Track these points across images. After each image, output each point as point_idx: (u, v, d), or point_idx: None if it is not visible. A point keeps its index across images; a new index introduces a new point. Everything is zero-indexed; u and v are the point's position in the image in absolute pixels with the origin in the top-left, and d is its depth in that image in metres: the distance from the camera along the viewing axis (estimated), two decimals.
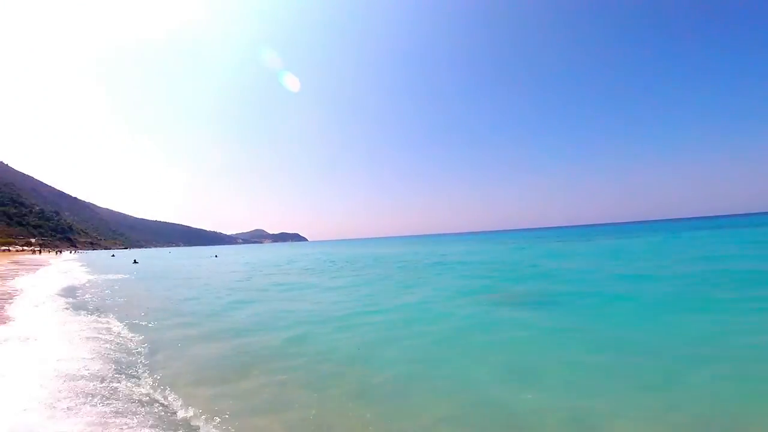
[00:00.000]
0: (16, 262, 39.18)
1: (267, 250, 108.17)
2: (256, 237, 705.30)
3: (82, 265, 37.94)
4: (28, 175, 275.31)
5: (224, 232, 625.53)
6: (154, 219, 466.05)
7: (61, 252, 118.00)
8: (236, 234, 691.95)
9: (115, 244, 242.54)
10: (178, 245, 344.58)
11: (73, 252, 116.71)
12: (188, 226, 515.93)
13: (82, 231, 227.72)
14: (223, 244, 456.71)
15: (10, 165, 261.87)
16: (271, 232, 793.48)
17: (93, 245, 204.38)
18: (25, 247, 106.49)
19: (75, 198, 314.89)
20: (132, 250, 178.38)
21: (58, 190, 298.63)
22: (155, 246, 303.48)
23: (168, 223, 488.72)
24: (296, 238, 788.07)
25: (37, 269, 28.66)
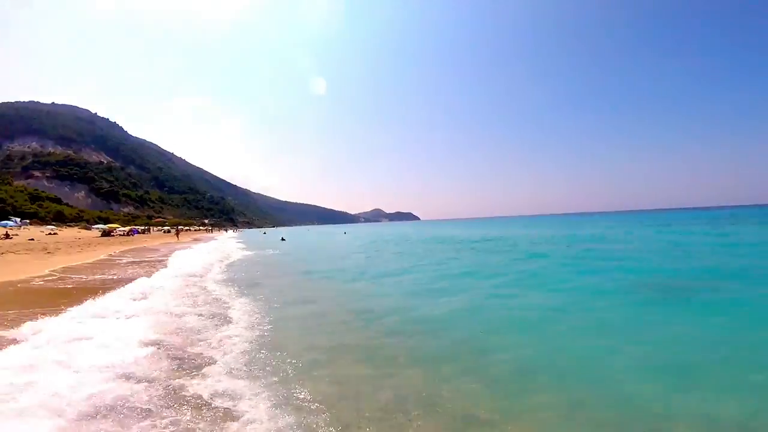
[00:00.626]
0: (197, 240, 50.16)
1: (388, 228, 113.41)
2: (376, 216, 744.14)
3: (239, 242, 41.66)
4: (199, 167, 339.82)
5: (350, 212, 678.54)
6: (295, 201, 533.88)
7: (226, 230, 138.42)
8: (359, 213, 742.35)
9: (266, 222, 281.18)
10: (313, 223, 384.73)
11: (234, 231, 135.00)
12: (321, 207, 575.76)
13: (241, 212, 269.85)
14: (349, 223, 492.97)
15: (186, 159, 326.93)
16: (387, 212, 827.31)
17: (249, 224, 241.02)
18: (200, 227, 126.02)
19: (235, 185, 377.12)
20: (278, 228, 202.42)
21: (222, 179, 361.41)
22: (296, 225, 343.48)
23: (306, 204, 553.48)
24: (410, 217, 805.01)
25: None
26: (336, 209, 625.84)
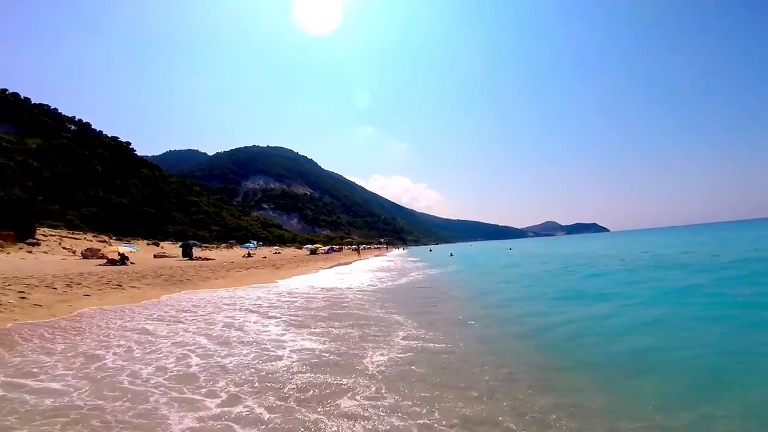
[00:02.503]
0: (380, 255, 60.86)
1: (563, 242, 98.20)
2: (548, 229, 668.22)
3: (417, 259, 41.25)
4: (373, 192, 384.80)
5: (515, 226, 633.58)
6: (456, 218, 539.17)
7: (397, 247, 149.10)
8: (527, 227, 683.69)
9: (431, 240, 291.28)
10: (476, 240, 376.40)
11: (402, 248, 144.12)
12: (484, 222, 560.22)
13: (409, 231, 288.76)
14: (515, 238, 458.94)
15: (364, 187, 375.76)
16: (563, 224, 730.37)
17: (416, 242, 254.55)
18: (378, 245, 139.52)
19: (401, 206, 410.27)
20: (441, 244, 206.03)
21: (391, 201, 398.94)
22: (457, 241, 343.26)
23: (467, 220, 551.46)
24: (594, 228, 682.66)
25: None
26: (499, 224, 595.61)
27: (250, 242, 62.30)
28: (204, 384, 4.59)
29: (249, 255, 42.20)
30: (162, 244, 46.06)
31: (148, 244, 42.88)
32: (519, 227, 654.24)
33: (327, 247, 73.60)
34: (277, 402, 4.09)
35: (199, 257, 32.88)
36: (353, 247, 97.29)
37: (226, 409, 3.91)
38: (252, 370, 5.04)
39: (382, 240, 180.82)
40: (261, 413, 3.82)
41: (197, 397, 4.22)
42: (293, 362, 5.39)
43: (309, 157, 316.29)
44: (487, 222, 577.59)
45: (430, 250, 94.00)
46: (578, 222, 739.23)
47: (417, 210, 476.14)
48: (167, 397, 4.17)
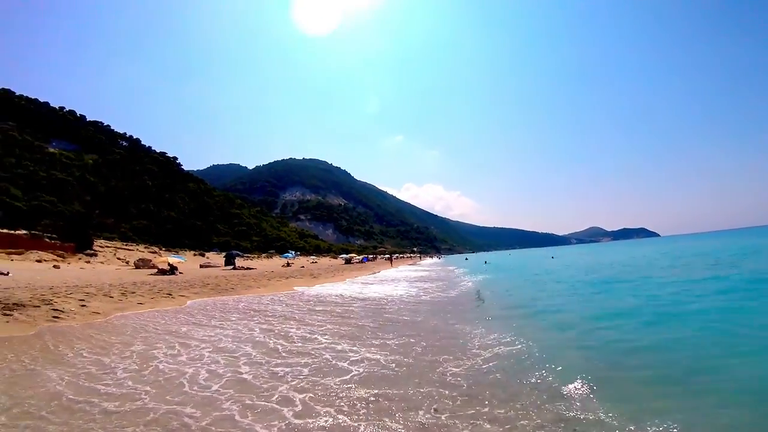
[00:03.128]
0: (413, 264, 60.82)
1: (609, 248, 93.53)
2: (592, 235, 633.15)
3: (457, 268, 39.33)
4: (406, 201, 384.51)
5: (556, 233, 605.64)
6: (492, 225, 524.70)
7: (431, 256, 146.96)
8: (569, 234, 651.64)
9: (466, 248, 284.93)
10: (514, 248, 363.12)
11: (438, 257, 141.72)
12: (521, 230, 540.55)
13: (443, 240, 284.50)
14: (556, 245, 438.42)
15: (397, 197, 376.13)
16: (609, 230, 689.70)
17: (450, 250, 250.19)
18: (411, 255, 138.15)
19: (435, 214, 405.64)
20: (478, 253, 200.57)
21: (423, 210, 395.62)
22: (495, 249, 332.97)
23: (503, 228, 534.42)
24: (642, 233, 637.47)
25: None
26: (539, 231, 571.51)
27: (288, 252, 63.64)
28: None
29: (288, 264, 42.93)
30: (207, 254, 48.07)
31: (194, 255, 44.89)
32: (561, 234, 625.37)
33: (362, 257, 73.89)
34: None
35: (242, 267, 33.77)
36: (386, 256, 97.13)
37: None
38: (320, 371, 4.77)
39: (414, 249, 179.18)
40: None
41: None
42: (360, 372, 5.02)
43: (342, 168, 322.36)
44: (525, 229, 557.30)
45: (466, 259, 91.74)
46: (625, 227, 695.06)
47: (451, 218, 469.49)
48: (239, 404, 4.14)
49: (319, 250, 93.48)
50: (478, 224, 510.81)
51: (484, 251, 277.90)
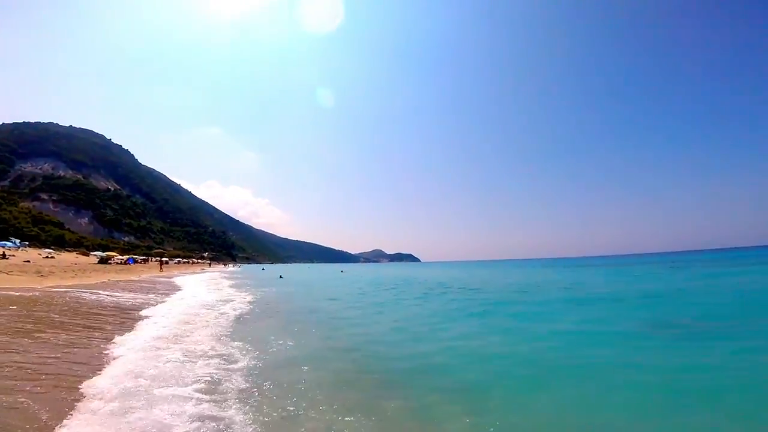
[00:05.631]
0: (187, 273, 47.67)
1: (384, 267, 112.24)
2: (376, 256, 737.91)
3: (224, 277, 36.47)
4: (205, 201, 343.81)
5: (349, 251, 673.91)
6: (296, 239, 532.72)
7: (225, 264, 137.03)
8: (359, 253, 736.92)
9: (265, 259, 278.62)
10: (312, 261, 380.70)
11: (234, 266, 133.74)
12: (321, 245, 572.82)
13: (242, 248, 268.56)
14: (349, 262, 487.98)
15: (193, 193, 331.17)
16: (388, 252, 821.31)
17: (248, 259, 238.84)
18: (199, 260, 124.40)
19: (238, 221, 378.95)
20: (277, 264, 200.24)
21: (226, 214, 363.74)
22: (295, 262, 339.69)
23: (306, 242, 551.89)
24: (410, 258, 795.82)
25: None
26: (335, 248, 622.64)
27: (9, 240, 46.72)
28: None
29: (3, 256, 32.08)
30: None
31: None
32: (352, 252, 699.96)
33: (125, 257, 61.75)
34: None
35: None
36: (164, 259, 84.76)
37: None
38: None
39: (205, 254, 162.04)
40: None
41: None
42: None
43: (125, 147, 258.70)
44: (325, 245, 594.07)
45: (263, 269, 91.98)
46: (399, 251, 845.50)
47: (255, 226, 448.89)
48: None
49: (61, 243, 71.86)
50: (283, 236, 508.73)
51: (284, 263, 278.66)
